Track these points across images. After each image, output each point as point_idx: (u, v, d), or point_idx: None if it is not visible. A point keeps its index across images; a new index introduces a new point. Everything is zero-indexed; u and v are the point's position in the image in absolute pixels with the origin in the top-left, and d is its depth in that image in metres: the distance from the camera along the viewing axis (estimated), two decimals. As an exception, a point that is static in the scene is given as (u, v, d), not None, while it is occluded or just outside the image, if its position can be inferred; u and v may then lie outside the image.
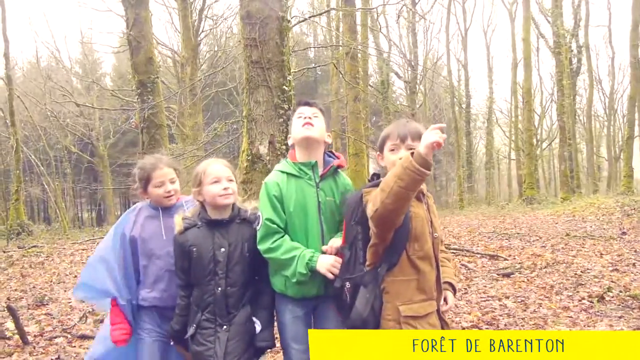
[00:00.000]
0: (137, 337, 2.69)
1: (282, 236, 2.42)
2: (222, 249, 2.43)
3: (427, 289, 2.23)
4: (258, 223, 2.44)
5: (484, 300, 5.44)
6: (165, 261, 2.64)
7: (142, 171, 2.73)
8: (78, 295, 2.86)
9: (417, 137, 2.21)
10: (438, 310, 2.29)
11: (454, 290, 2.44)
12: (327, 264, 2.33)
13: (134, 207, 2.83)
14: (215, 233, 2.45)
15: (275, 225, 2.40)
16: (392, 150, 2.30)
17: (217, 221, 2.48)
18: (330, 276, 2.31)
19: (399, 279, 2.18)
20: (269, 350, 2.58)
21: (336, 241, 2.41)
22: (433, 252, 2.26)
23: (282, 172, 2.51)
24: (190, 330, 2.45)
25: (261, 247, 2.42)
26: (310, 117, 2.50)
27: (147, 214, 2.75)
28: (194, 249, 2.43)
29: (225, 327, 2.42)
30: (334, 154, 2.65)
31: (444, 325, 2.30)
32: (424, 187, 2.29)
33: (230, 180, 2.51)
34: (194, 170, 2.55)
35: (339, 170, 2.59)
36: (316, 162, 2.51)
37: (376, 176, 2.37)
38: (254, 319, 2.47)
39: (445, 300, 2.37)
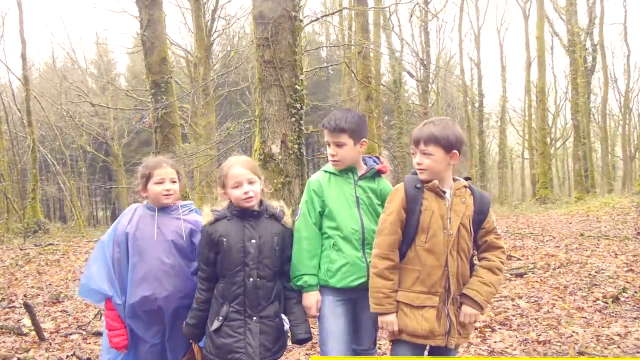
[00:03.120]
0: (130, 345, 2.66)
1: (308, 239, 2.57)
2: (253, 241, 2.45)
3: (429, 283, 2.30)
4: (296, 214, 2.63)
5: (497, 300, 5.42)
6: (154, 260, 2.63)
7: (144, 168, 2.76)
8: (82, 295, 2.80)
9: (431, 141, 2.31)
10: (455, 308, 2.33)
11: (478, 305, 2.32)
12: (311, 304, 2.55)
13: (131, 206, 2.85)
14: (246, 225, 2.48)
15: (312, 212, 2.60)
16: (412, 154, 2.41)
17: (247, 212, 2.51)
18: (310, 312, 2.57)
19: (405, 267, 2.36)
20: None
21: None
22: (445, 248, 2.29)
23: (325, 171, 2.71)
24: (216, 324, 2.43)
25: (296, 231, 2.59)
26: (332, 156, 2.63)
27: (143, 213, 2.76)
28: (224, 240, 2.45)
29: (255, 318, 2.43)
30: (379, 159, 2.76)
31: (451, 327, 2.30)
32: (461, 183, 2.41)
33: (252, 183, 2.52)
34: (219, 170, 2.61)
35: (380, 174, 2.71)
36: (353, 166, 2.67)
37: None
38: (283, 316, 2.51)
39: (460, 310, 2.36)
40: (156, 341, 2.67)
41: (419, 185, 2.36)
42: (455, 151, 2.34)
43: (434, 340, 2.30)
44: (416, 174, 2.42)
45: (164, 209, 2.77)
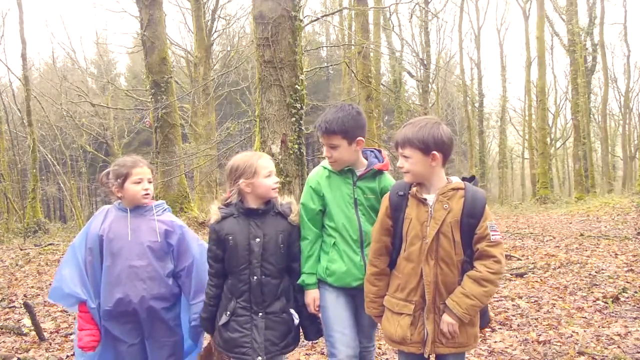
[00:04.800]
0: (108, 346, 2.64)
1: (304, 239, 2.60)
2: (257, 239, 2.48)
3: (406, 291, 2.28)
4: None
5: (497, 301, 5.42)
6: (127, 262, 2.61)
7: (121, 167, 2.71)
8: (53, 299, 2.73)
9: (407, 143, 2.27)
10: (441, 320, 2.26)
11: (456, 317, 2.21)
12: (309, 301, 2.59)
13: (102, 208, 2.80)
14: (251, 223, 2.50)
15: (308, 212, 2.60)
16: (397, 156, 2.37)
17: (253, 210, 2.53)
18: (309, 309, 2.60)
19: (394, 273, 2.38)
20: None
21: None
22: (421, 256, 2.24)
23: (325, 167, 2.66)
24: (224, 318, 2.48)
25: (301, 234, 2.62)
26: (328, 157, 2.60)
27: (115, 215, 2.72)
28: (230, 238, 2.48)
29: (261, 314, 2.48)
30: (381, 154, 2.71)
31: (426, 339, 2.24)
32: (450, 185, 2.28)
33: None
34: (243, 162, 2.54)
35: (382, 172, 2.65)
36: (350, 168, 2.61)
37: None
38: (292, 310, 2.55)
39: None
40: (134, 341, 2.66)
41: (401, 193, 2.33)
42: (434, 153, 2.23)
43: (408, 348, 2.27)
44: None
45: (137, 209, 2.73)
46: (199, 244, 2.82)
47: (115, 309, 2.60)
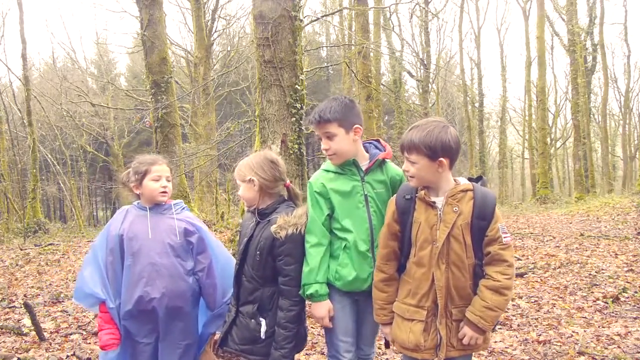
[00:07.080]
0: (126, 346, 2.66)
1: (319, 246, 2.44)
2: (245, 239, 2.54)
3: (418, 296, 2.23)
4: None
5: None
6: (147, 260, 2.63)
7: (141, 165, 2.74)
8: (77, 300, 2.72)
9: (413, 149, 2.19)
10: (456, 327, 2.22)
11: (480, 330, 2.17)
12: (322, 314, 2.45)
13: (122, 208, 2.82)
14: (252, 222, 2.58)
15: (317, 218, 2.45)
16: (402, 159, 2.33)
17: (260, 210, 2.56)
18: (322, 323, 2.48)
19: (403, 278, 2.33)
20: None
21: None
22: (433, 261, 2.19)
23: (327, 170, 2.55)
24: None
25: (306, 241, 2.47)
26: (326, 150, 2.49)
27: (135, 214, 2.74)
28: (240, 231, 2.68)
29: (234, 309, 2.56)
30: (380, 143, 2.63)
31: (440, 344, 2.20)
32: (459, 187, 2.22)
33: None
34: (274, 164, 2.55)
35: (386, 161, 2.58)
36: (354, 159, 2.50)
37: None
38: (262, 321, 2.46)
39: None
40: (150, 340, 2.67)
41: (408, 197, 2.28)
42: (441, 159, 2.16)
43: (422, 354, 2.22)
44: None
45: (156, 208, 2.75)
46: (216, 243, 2.84)
47: (135, 308, 2.61)
